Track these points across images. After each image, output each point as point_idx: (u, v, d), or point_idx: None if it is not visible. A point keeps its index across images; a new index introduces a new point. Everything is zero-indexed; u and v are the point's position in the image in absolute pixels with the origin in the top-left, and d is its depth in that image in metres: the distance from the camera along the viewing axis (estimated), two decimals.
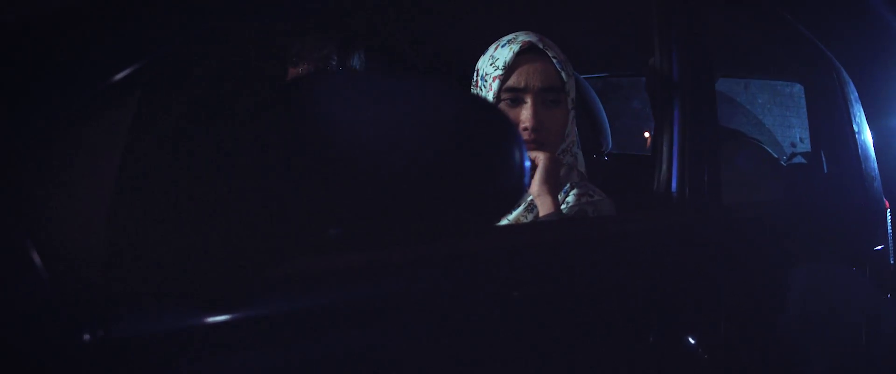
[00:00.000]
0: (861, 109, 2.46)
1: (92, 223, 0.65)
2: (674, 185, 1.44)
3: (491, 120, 0.69)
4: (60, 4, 0.68)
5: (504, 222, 1.47)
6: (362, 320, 0.85)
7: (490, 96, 1.47)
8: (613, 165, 2.13)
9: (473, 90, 1.56)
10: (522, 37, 1.49)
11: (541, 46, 1.47)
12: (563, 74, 1.47)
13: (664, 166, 1.47)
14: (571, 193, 1.52)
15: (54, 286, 0.62)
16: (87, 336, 0.63)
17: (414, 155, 0.65)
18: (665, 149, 1.48)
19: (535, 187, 1.42)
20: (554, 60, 1.47)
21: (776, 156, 2.67)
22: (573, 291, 1.15)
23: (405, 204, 0.66)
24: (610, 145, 1.87)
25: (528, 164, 0.69)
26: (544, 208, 1.39)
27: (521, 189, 0.68)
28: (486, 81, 1.50)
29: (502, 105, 1.48)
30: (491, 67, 1.49)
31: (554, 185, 1.42)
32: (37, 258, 0.61)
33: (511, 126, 0.68)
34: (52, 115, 0.63)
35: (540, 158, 1.43)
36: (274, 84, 0.70)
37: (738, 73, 3.76)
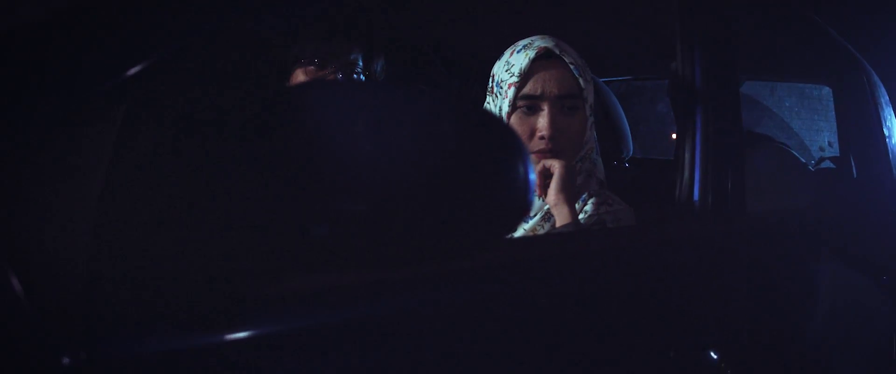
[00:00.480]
0: (892, 113, 2.40)
1: (73, 239, 0.63)
2: (696, 192, 1.40)
3: (494, 133, 0.65)
4: (36, 12, 0.65)
5: (520, 232, 1.43)
6: (366, 339, 0.82)
7: (505, 104, 1.44)
8: (635, 171, 2.09)
9: (489, 97, 1.52)
10: (538, 42, 1.45)
11: (557, 52, 1.43)
12: (580, 80, 1.43)
13: (686, 173, 1.42)
14: (590, 202, 1.48)
15: (31, 305, 0.59)
16: (66, 360, 0.60)
17: (414, 169, 0.61)
18: (687, 155, 1.44)
19: (552, 196, 1.38)
20: (571, 66, 1.43)
21: (804, 161, 2.61)
22: (590, 304, 1.11)
23: (405, 219, 0.63)
24: (631, 152, 1.83)
25: (533, 178, 0.66)
26: (561, 217, 1.36)
27: (526, 205, 0.65)
28: (501, 87, 1.46)
29: (518, 113, 1.44)
30: (506, 74, 1.45)
31: (571, 194, 1.38)
32: (13, 276, 0.58)
33: (515, 139, 0.65)
34: (28, 128, 0.60)
35: (556, 166, 1.39)
36: (273, 92, 0.67)
37: (764, 75, 3.69)
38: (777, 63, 2.95)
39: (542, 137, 1.41)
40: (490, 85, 1.52)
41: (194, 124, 0.69)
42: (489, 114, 0.67)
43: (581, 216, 1.44)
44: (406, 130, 0.62)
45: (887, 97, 2.40)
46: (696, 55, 1.48)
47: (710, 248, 1.38)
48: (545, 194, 1.40)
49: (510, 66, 1.45)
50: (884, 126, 2.28)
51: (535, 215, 1.45)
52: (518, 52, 1.46)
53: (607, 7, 2.13)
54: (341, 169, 0.61)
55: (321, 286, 0.78)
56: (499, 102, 1.47)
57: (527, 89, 1.42)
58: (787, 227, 1.69)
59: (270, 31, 0.86)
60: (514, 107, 1.44)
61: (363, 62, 1.82)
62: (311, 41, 1.73)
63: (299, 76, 1.74)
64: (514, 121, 1.44)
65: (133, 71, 0.66)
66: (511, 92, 1.43)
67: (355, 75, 1.78)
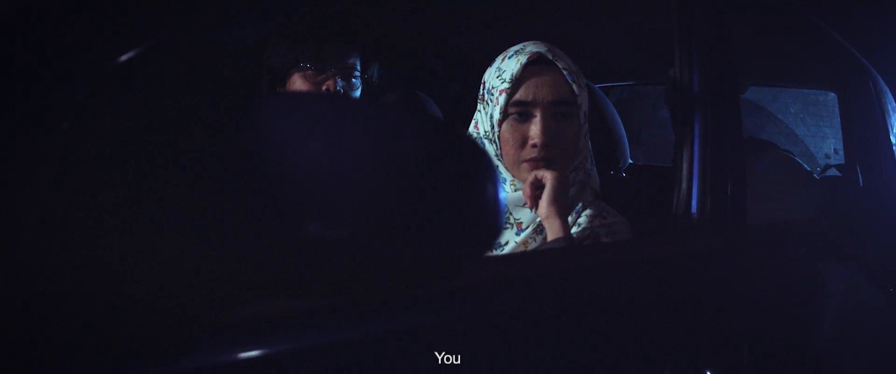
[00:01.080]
0: None
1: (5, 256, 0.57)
2: (694, 204, 1.34)
3: (460, 149, 0.59)
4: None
5: (511, 246, 1.38)
6: (334, 369, 0.76)
7: (496, 111, 1.38)
8: (635, 180, 2.03)
9: (480, 104, 1.47)
10: (530, 47, 1.40)
11: (550, 57, 1.38)
12: (574, 86, 1.38)
13: (684, 184, 1.37)
14: (584, 213, 1.42)
15: None
16: None
17: (372, 188, 0.56)
18: (685, 165, 1.38)
19: (544, 208, 1.32)
20: (564, 72, 1.37)
21: (809, 168, 2.55)
22: (582, 321, 1.06)
23: (366, 242, 0.57)
24: (628, 161, 1.77)
25: (504, 199, 0.60)
26: (553, 231, 1.30)
27: (496, 229, 0.59)
28: (492, 94, 1.41)
29: (510, 120, 1.38)
30: (497, 80, 1.40)
31: (563, 205, 1.32)
32: None
33: (483, 156, 0.59)
34: None
35: (548, 176, 1.33)
36: (229, 101, 0.61)
37: (768, 81, 3.64)
38: (781, 68, 2.91)
39: (534, 145, 1.36)
40: (481, 92, 1.47)
41: (147, 132, 0.64)
42: (454, 129, 0.62)
43: (574, 230, 1.38)
44: (364, 146, 0.56)
45: (894, 103, 2.35)
46: (694, 61, 1.43)
47: (708, 261, 1.32)
48: (536, 206, 1.34)
49: (501, 72, 1.40)
50: (890, 133, 2.23)
51: (526, 228, 1.39)
52: (509, 57, 1.41)
53: (608, 11, 2.08)
54: (295, 187, 0.56)
55: (282, 312, 0.73)
56: (490, 110, 1.42)
57: (518, 95, 1.37)
58: (791, 238, 1.64)
59: (246, 33, 0.81)
60: (505, 114, 1.38)
61: (361, 67, 1.79)
62: (309, 45, 1.71)
63: (297, 81, 1.73)
64: (505, 128, 1.39)
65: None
66: (502, 98, 1.37)
67: (354, 80, 1.77)
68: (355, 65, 1.78)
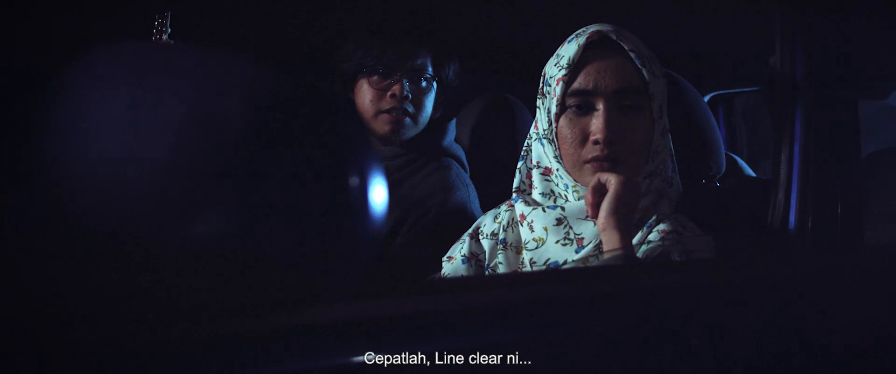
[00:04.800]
0: None
1: None
2: (792, 218, 1.10)
3: (320, 113, 0.40)
4: None
5: (571, 263, 1.16)
6: None
7: (553, 104, 1.19)
8: (739, 192, 1.77)
9: (539, 99, 1.27)
10: (592, 28, 1.19)
11: (614, 38, 1.17)
12: (644, 72, 1.16)
13: (781, 194, 1.13)
14: (656, 229, 1.18)
15: None
16: None
17: (183, 167, 0.38)
18: (783, 172, 1.14)
19: (602, 218, 1.10)
20: (632, 55, 1.16)
21: None
22: (633, 357, 0.85)
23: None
24: (723, 169, 1.52)
25: (383, 195, 0.40)
26: (609, 244, 1.07)
27: (371, 230, 0.39)
28: (549, 85, 1.21)
29: (568, 113, 1.19)
30: (555, 68, 1.20)
31: (625, 217, 1.09)
32: None
33: (353, 121, 0.40)
34: None
35: (611, 181, 1.11)
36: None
37: None
38: None
39: (596, 142, 1.15)
40: (540, 85, 1.27)
41: None
42: (324, 90, 0.42)
43: (643, 248, 1.15)
44: (177, 106, 0.38)
45: None
46: (798, 46, 1.18)
47: (808, 288, 1.07)
48: (597, 216, 1.12)
49: (559, 58, 1.20)
50: None
51: (588, 244, 1.17)
52: (569, 42, 1.21)
53: (729, 6, 1.85)
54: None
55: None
56: (547, 103, 1.22)
57: (577, 83, 1.17)
58: None
59: None
60: (563, 106, 1.18)
61: (433, 67, 1.71)
62: (374, 48, 1.64)
63: (363, 86, 1.67)
64: (563, 124, 1.19)
65: None
66: (559, 88, 1.18)
67: (423, 83, 1.69)
68: (425, 66, 1.69)
